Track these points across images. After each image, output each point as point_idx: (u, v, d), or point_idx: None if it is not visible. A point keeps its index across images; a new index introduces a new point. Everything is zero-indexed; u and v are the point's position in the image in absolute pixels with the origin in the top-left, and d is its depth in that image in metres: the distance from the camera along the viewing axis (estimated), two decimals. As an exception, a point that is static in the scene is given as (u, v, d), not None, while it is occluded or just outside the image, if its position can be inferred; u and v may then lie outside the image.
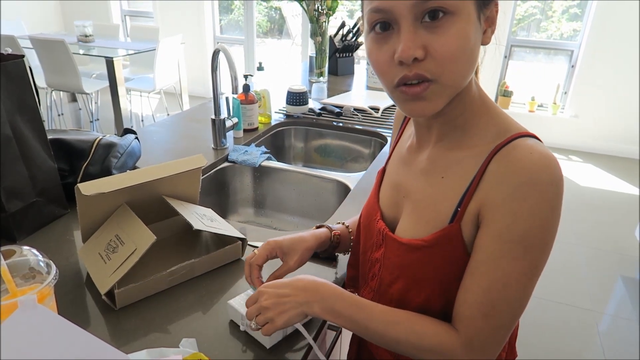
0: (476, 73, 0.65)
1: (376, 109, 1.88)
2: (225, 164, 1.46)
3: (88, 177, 1.11)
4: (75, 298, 0.81)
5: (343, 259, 0.93)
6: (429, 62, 0.55)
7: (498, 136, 0.60)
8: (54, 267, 0.66)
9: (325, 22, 2.22)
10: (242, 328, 0.73)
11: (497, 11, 0.59)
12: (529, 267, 0.56)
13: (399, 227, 0.70)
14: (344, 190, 1.35)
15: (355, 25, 2.48)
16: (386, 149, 1.55)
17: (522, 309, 0.58)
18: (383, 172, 0.80)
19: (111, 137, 1.20)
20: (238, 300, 0.76)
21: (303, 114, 1.83)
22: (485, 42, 0.60)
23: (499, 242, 0.56)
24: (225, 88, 3.20)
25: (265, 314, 0.66)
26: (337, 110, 1.82)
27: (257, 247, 0.97)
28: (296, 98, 1.80)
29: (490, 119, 0.63)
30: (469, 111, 0.63)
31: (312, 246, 0.81)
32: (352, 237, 0.88)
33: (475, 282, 0.58)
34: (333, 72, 2.51)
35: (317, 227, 0.87)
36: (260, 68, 1.91)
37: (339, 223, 0.90)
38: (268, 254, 0.78)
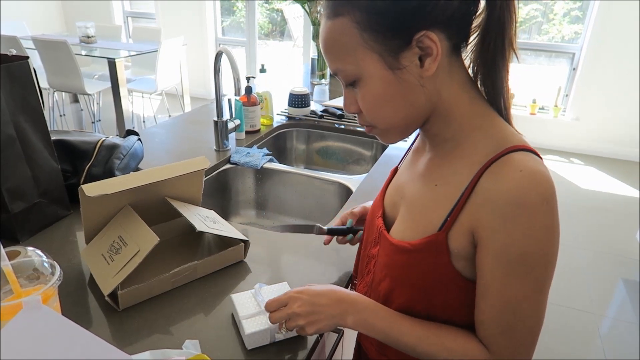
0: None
1: (378, 111, 1.88)
2: (228, 166, 1.46)
3: (91, 178, 1.11)
4: (78, 299, 0.81)
5: (346, 257, 0.93)
6: (364, 114, 0.64)
7: (493, 149, 0.59)
8: (58, 268, 0.66)
9: (327, 24, 2.22)
10: (238, 323, 0.74)
11: (432, 41, 0.56)
12: (536, 284, 0.56)
13: (393, 228, 0.71)
14: (346, 192, 1.35)
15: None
16: (389, 151, 1.56)
17: (541, 322, 0.58)
18: (395, 170, 0.81)
19: (114, 139, 1.20)
20: (241, 297, 0.77)
21: (305, 116, 1.83)
22: (426, 74, 0.58)
23: (500, 264, 0.56)
24: (228, 90, 3.20)
25: (297, 320, 0.67)
26: (339, 112, 1.83)
27: (258, 249, 0.98)
28: (298, 100, 1.81)
29: (484, 131, 0.62)
30: (457, 125, 0.63)
31: None
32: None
33: (488, 304, 0.59)
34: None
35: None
36: (262, 70, 1.91)
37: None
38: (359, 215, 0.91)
